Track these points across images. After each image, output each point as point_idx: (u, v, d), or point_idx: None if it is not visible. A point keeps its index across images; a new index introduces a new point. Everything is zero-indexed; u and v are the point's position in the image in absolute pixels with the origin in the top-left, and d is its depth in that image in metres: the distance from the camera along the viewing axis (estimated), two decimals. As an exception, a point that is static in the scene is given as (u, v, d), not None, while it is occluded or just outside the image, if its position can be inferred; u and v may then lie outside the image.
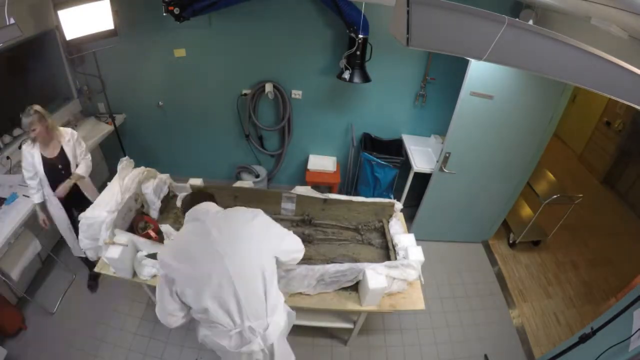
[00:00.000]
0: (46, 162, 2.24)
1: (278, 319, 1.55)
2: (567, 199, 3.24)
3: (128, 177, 2.27)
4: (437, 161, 3.01)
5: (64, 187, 2.30)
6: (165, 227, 2.23)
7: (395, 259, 2.18)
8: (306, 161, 3.75)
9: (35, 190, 2.29)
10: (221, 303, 1.40)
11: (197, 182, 2.58)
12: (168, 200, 2.53)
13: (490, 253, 3.54)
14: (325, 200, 2.51)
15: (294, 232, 2.34)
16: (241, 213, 1.58)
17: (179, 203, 2.46)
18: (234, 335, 1.45)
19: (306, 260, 2.23)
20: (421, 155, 3.26)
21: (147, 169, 2.39)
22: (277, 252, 1.55)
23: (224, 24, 3.04)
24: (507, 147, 2.90)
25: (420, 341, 2.70)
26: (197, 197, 1.66)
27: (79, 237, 2.08)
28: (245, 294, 1.41)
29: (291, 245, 1.65)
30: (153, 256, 1.93)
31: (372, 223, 2.51)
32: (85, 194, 2.49)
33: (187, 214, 1.59)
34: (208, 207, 1.59)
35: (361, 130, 3.60)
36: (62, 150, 2.30)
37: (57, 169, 2.29)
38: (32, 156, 2.20)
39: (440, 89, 3.27)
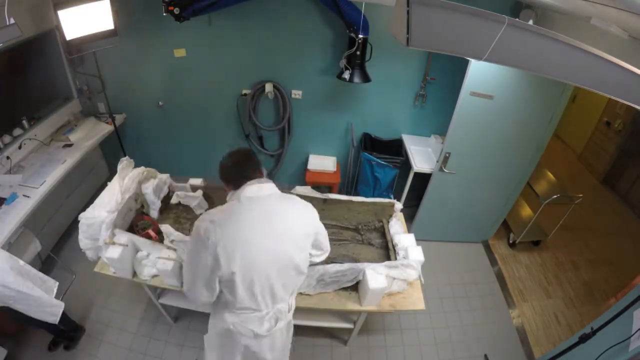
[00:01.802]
0: None
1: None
2: (567, 199, 3.24)
3: (128, 177, 2.27)
4: (437, 161, 3.01)
5: None
6: (165, 227, 2.22)
7: (395, 259, 2.18)
8: (306, 161, 3.75)
9: None
10: (269, 286, 1.38)
11: (197, 182, 2.58)
12: (168, 200, 2.53)
13: (490, 253, 3.54)
14: (325, 200, 2.51)
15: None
16: (294, 203, 1.59)
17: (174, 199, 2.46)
18: (267, 319, 1.45)
19: (306, 260, 2.24)
20: (421, 155, 3.26)
21: (147, 169, 2.39)
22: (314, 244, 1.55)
23: (224, 24, 3.04)
24: (507, 147, 2.90)
25: (420, 341, 2.70)
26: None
27: (79, 237, 2.08)
28: (288, 280, 1.44)
29: (323, 243, 1.62)
30: None
31: (372, 223, 2.51)
32: None
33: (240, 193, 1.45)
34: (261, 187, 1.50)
35: (361, 130, 3.60)
36: None
37: None
38: None
39: (440, 89, 3.26)
